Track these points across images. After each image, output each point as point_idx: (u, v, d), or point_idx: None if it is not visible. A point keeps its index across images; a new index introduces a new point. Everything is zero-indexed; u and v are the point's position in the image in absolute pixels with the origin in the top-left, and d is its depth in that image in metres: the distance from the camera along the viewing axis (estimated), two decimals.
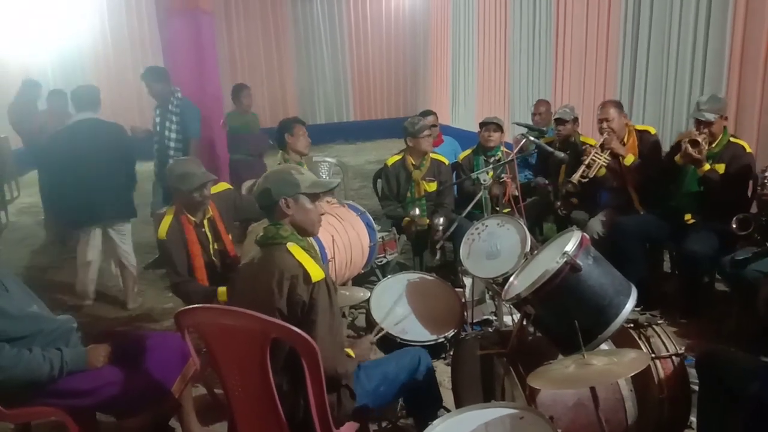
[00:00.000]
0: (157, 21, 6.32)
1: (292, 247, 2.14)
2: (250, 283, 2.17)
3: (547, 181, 4.69)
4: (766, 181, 3.29)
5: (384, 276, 3.85)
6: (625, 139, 4.13)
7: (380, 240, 4.16)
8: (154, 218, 4.77)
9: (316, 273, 2.07)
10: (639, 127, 4.28)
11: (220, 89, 6.27)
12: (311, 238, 3.17)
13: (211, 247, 3.32)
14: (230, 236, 3.41)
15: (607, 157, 4.03)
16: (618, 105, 4.20)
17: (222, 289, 3.10)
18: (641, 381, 2.28)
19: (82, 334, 2.63)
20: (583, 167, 4.01)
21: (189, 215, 3.22)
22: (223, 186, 3.62)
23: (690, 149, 3.61)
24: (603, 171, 4.07)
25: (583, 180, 4.03)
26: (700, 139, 3.63)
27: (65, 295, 4.68)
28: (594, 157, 4.01)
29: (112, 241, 4.48)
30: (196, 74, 5.73)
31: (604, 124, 4.09)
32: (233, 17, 11.50)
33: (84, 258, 4.47)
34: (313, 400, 1.98)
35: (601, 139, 4.06)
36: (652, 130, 4.24)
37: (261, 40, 11.78)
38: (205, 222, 3.30)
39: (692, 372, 2.47)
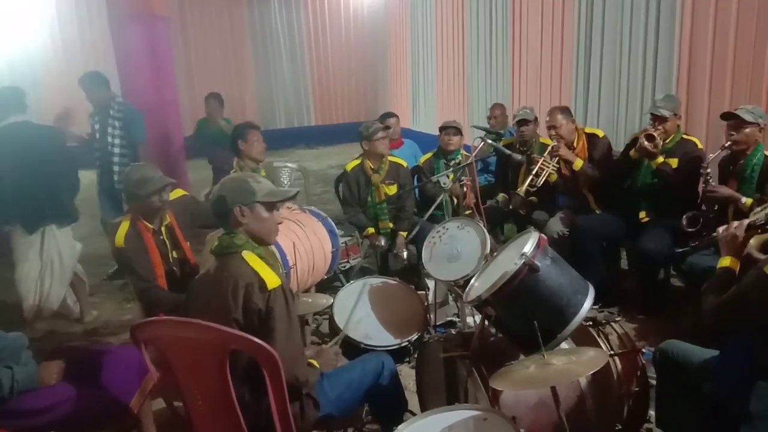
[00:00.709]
0: (109, 27, 6.17)
1: (247, 255, 2.11)
2: (207, 294, 2.14)
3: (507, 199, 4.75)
4: (709, 178, 3.40)
5: (348, 281, 3.84)
6: (575, 143, 4.22)
7: (343, 245, 4.15)
8: (107, 228, 4.63)
9: (271, 280, 2.04)
10: (588, 130, 4.39)
11: (177, 96, 6.16)
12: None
13: (170, 255, 3.25)
14: (188, 244, 3.35)
15: (556, 164, 4.12)
16: (565, 111, 4.28)
17: None
18: (601, 378, 2.32)
19: (35, 350, 2.54)
20: (531, 177, 4.10)
21: (146, 222, 3.14)
22: (180, 192, 3.54)
23: (646, 143, 3.73)
24: (554, 177, 4.16)
25: (532, 189, 4.12)
26: (655, 134, 3.74)
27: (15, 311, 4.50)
28: (542, 165, 4.11)
29: (52, 249, 4.24)
30: (151, 81, 5.63)
31: (552, 131, 4.17)
32: (188, 22, 11.32)
33: (22, 269, 4.18)
34: (276, 410, 1.95)
35: (549, 148, 4.15)
36: (600, 133, 4.36)
37: (218, 45, 11.62)
38: (163, 229, 3.23)
39: (650, 367, 2.53)
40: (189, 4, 11.24)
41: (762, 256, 2.29)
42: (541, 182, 4.11)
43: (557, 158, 4.13)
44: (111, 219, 4.74)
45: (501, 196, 4.72)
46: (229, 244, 2.14)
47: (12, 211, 4.09)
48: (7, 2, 10.04)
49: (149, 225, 3.14)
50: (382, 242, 4.42)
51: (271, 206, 2.23)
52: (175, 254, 3.28)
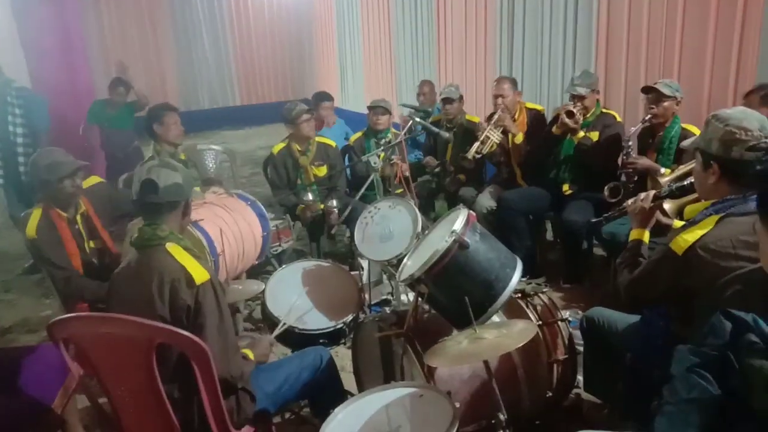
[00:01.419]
0: (11, 7, 5.73)
1: (171, 247, 2.00)
2: (129, 289, 2.03)
3: (436, 162, 4.78)
4: (630, 150, 3.54)
5: (281, 265, 3.77)
6: (516, 116, 4.28)
7: (274, 228, 4.07)
8: (18, 221, 4.37)
9: (199, 275, 1.95)
10: (529, 105, 4.45)
11: (91, 80, 5.83)
12: (197, 232, 3.05)
13: (86, 245, 3.10)
14: (108, 233, 3.20)
15: (500, 134, 4.16)
16: (513, 82, 4.33)
17: None
18: (531, 348, 2.38)
19: None
20: (477, 143, 4.12)
21: (59, 211, 2.97)
22: (95, 179, 3.39)
23: (566, 119, 3.83)
24: (494, 147, 4.20)
25: (477, 156, 4.14)
26: (575, 110, 3.85)
27: None
28: (488, 134, 4.12)
29: None
30: (62, 64, 5.31)
31: (499, 100, 4.21)
32: (102, 1, 10.70)
33: None
34: (209, 406, 1.90)
35: (496, 116, 4.17)
36: (541, 109, 4.43)
37: (134, 24, 11.07)
38: (78, 218, 3.08)
39: (577, 334, 2.62)
40: None
41: (668, 221, 2.41)
42: (487, 150, 4.14)
43: (501, 128, 4.16)
44: (19, 211, 4.49)
45: (429, 158, 4.75)
46: (151, 236, 2.02)
47: None
48: None
49: (63, 213, 2.99)
50: (312, 201, 4.27)
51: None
52: (92, 244, 3.14)
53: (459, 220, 2.18)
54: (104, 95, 6.04)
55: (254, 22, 12.09)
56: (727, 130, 1.85)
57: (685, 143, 2.35)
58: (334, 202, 4.05)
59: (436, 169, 4.66)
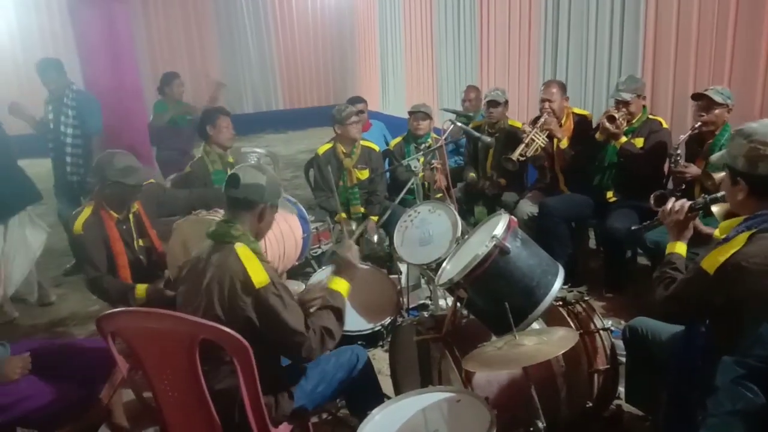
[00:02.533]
0: (68, 12, 5.96)
1: (240, 248, 2.05)
2: (195, 278, 2.10)
3: (472, 178, 4.76)
4: (678, 158, 3.45)
5: (320, 267, 3.81)
6: (563, 121, 4.22)
7: (314, 231, 4.12)
8: (68, 219, 4.52)
9: (259, 278, 1.99)
10: (576, 110, 4.37)
11: (140, 81, 6.00)
12: None
13: (135, 243, 3.19)
14: (155, 232, 3.29)
15: (546, 138, 4.11)
16: (561, 86, 4.27)
17: (141, 286, 3.00)
18: (571, 356, 2.35)
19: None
20: (522, 146, 4.08)
21: (112, 211, 3.07)
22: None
23: (607, 124, 3.76)
24: (539, 150, 4.15)
25: (522, 159, 4.10)
26: (617, 115, 3.78)
27: None
28: (534, 137, 4.08)
29: (15, 235, 4.06)
30: (112, 67, 5.46)
31: (546, 104, 4.16)
32: (150, 6, 11.01)
33: None
34: (248, 402, 1.93)
35: (541, 120, 4.11)
36: (589, 115, 4.35)
37: (182, 28, 11.34)
38: (131, 217, 3.17)
39: (619, 344, 2.57)
40: None
41: (709, 230, 2.34)
42: (531, 153, 4.09)
43: (547, 132, 4.11)
44: (65, 210, 4.66)
45: (470, 176, 4.73)
46: (224, 232, 2.09)
47: None
48: None
49: (114, 214, 3.08)
50: (353, 226, 4.39)
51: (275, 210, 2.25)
52: (141, 242, 3.22)
53: (500, 225, 2.17)
54: (151, 96, 6.20)
55: (298, 27, 12.25)
56: (752, 147, 1.80)
57: (714, 158, 2.29)
58: (375, 238, 4.27)
59: (478, 186, 4.65)
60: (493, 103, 4.63)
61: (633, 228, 2.63)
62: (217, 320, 1.96)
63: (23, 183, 4.13)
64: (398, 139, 4.97)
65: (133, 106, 5.61)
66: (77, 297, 4.55)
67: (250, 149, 5.80)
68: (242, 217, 2.13)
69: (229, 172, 2.16)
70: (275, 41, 12.11)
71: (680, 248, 2.16)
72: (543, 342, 1.96)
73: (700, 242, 2.23)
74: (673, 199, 2.20)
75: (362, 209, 4.51)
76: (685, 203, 2.17)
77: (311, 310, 2.18)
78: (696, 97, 3.49)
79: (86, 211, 3.06)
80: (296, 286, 3.13)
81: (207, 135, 4.13)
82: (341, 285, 2.24)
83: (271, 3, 11.91)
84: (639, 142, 3.84)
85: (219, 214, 3.26)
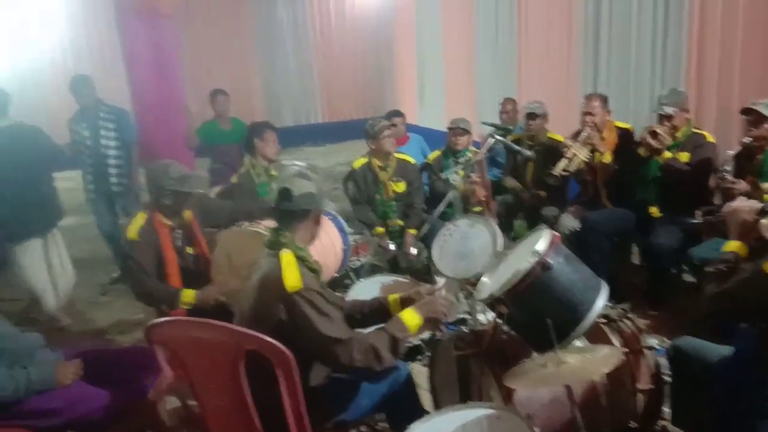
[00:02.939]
0: (116, 27, 6.18)
1: (284, 254, 2.10)
2: (246, 288, 2.18)
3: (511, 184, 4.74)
4: (726, 174, 3.37)
5: (358, 279, 3.83)
6: (605, 135, 4.16)
7: (353, 243, 4.15)
8: (114, 228, 4.67)
9: (291, 282, 2.03)
10: (619, 124, 4.31)
11: (183, 95, 6.16)
12: None
13: (185, 251, 3.28)
14: (205, 240, 3.38)
15: (588, 153, 4.06)
16: (603, 99, 4.22)
17: (187, 291, 3.07)
18: (615, 375, 2.30)
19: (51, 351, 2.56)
20: (564, 161, 4.04)
21: (165, 219, 3.16)
22: None
23: (649, 139, 3.70)
24: (582, 165, 4.10)
25: (564, 174, 4.06)
26: (659, 130, 3.71)
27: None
28: (576, 151, 4.04)
29: (53, 250, 4.30)
30: (158, 80, 5.61)
31: (588, 118, 4.12)
32: (193, 21, 11.30)
33: (32, 275, 4.23)
34: (291, 413, 1.96)
35: (584, 134, 4.08)
36: (631, 128, 4.29)
37: (223, 42, 11.58)
38: (181, 226, 3.26)
39: (664, 363, 2.52)
40: (195, 2, 11.23)
41: None
42: (574, 168, 4.05)
43: (590, 147, 4.07)
44: (105, 221, 4.80)
45: (509, 182, 4.71)
46: (274, 240, 2.16)
47: (10, 216, 4.09)
48: (16, 3, 10.08)
49: (167, 222, 3.17)
50: (391, 247, 4.42)
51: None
52: (190, 250, 3.31)
53: (542, 240, 2.16)
54: (194, 110, 6.35)
55: (337, 41, 12.41)
56: None
57: None
58: (414, 250, 4.27)
59: (517, 194, 4.63)
60: (531, 116, 4.61)
61: (692, 221, 2.56)
62: (254, 326, 2.00)
63: (54, 197, 4.36)
64: (437, 153, 4.97)
65: (176, 118, 5.76)
66: (122, 305, 4.67)
67: (290, 162, 5.89)
68: (297, 226, 2.19)
69: (276, 186, 2.21)
70: (314, 55, 12.28)
71: (741, 248, 2.08)
72: (586, 360, 1.93)
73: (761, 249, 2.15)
74: (744, 197, 2.14)
75: (400, 222, 4.53)
76: (757, 203, 2.10)
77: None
78: (745, 111, 3.41)
79: (140, 219, 3.15)
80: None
81: (254, 148, 4.22)
82: (413, 320, 2.18)
83: (311, 17, 12.11)
84: (684, 156, 3.77)
85: (261, 226, 3.32)
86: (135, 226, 3.12)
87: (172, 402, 2.73)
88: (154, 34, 5.64)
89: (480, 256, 2.82)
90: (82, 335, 4.24)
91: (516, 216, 4.94)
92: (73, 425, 2.44)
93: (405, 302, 2.36)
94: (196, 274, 3.27)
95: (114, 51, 9.45)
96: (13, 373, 2.28)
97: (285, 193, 2.16)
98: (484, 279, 2.50)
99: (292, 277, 2.04)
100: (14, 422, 2.32)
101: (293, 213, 2.18)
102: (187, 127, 5.74)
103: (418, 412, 2.40)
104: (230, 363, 1.89)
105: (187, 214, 3.27)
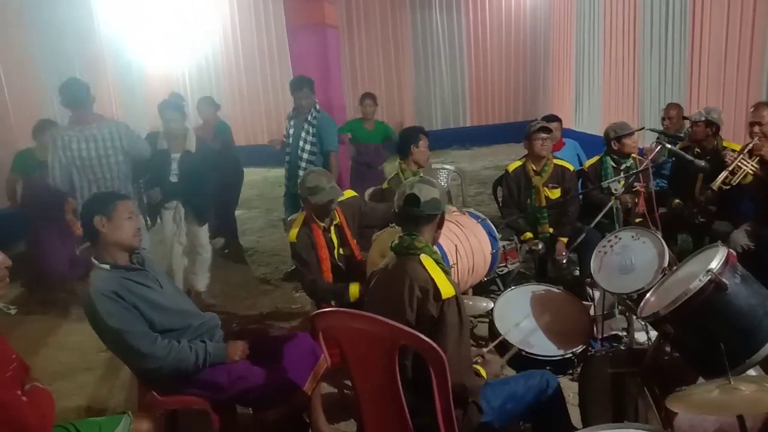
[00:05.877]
0: (286, 34, 6.69)
1: (425, 259, 2.17)
2: (384, 289, 2.24)
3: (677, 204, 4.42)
4: None
5: (505, 285, 3.80)
6: None
7: (501, 248, 4.11)
8: (286, 225, 4.99)
9: (447, 289, 2.08)
10: None
11: (344, 99, 6.51)
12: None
13: (336, 251, 3.46)
14: (355, 241, 3.55)
15: (755, 165, 3.71)
16: None
17: (354, 286, 3.25)
18: None
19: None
20: (726, 173, 3.73)
21: (318, 221, 3.39)
22: (350, 193, 3.77)
23: None
24: (749, 178, 3.75)
25: (725, 187, 3.75)
26: None
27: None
28: (740, 163, 3.71)
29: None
30: (323, 86, 5.98)
31: (756, 128, 3.80)
32: (354, 28, 11.85)
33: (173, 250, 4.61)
34: (440, 411, 2.00)
35: (750, 144, 3.75)
36: None
37: (381, 48, 12.05)
38: (332, 228, 3.46)
39: None
40: (355, 11, 11.77)
41: None
42: (737, 181, 3.75)
43: (758, 158, 3.74)
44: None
45: (676, 202, 4.40)
46: (409, 244, 2.21)
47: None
48: (190, 10, 11.21)
49: (320, 223, 3.39)
50: (540, 246, 4.29)
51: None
52: (341, 251, 3.50)
53: (717, 258, 2.01)
54: (351, 115, 6.67)
55: (491, 46, 12.36)
56: None
57: None
58: (540, 245, 4.20)
59: (684, 213, 4.31)
60: (703, 123, 4.27)
61: None
62: (408, 325, 2.06)
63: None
64: (594, 159, 4.74)
65: (339, 122, 6.09)
66: (281, 294, 5.03)
67: (439, 165, 5.98)
68: (422, 230, 2.24)
69: (407, 192, 2.24)
70: (467, 59, 12.35)
71: None
72: (764, 390, 1.77)
73: None
74: None
75: (550, 229, 4.40)
76: None
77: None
78: None
79: (299, 221, 3.42)
80: (484, 303, 3.16)
81: (408, 153, 4.32)
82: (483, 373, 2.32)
83: (465, 21, 12.18)
84: None
85: None
86: (295, 228, 3.39)
87: (325, 388, 2.88)
88: (321, 43, 6.05)
89: (643, 271, 2.69)
90: (247, 319, 4.58)
91: (680, 230, 4.60)
92: (239, 399, 2.66)
93: None
94: (346, 273, 3.46)
95: (281, 57, 10.26)
96: (194, 346, 2.55)
97: (412, 199, 2.21)
98: (648, 296, 2.37)
99: (445, 284, 2.10)
100: (192, 391, 2.59)
101: (419, 218, 2.22)
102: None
103: (566, 426, 2.36)
104: (385, 355, 1.97)
105: (337, 216, 3.45)
